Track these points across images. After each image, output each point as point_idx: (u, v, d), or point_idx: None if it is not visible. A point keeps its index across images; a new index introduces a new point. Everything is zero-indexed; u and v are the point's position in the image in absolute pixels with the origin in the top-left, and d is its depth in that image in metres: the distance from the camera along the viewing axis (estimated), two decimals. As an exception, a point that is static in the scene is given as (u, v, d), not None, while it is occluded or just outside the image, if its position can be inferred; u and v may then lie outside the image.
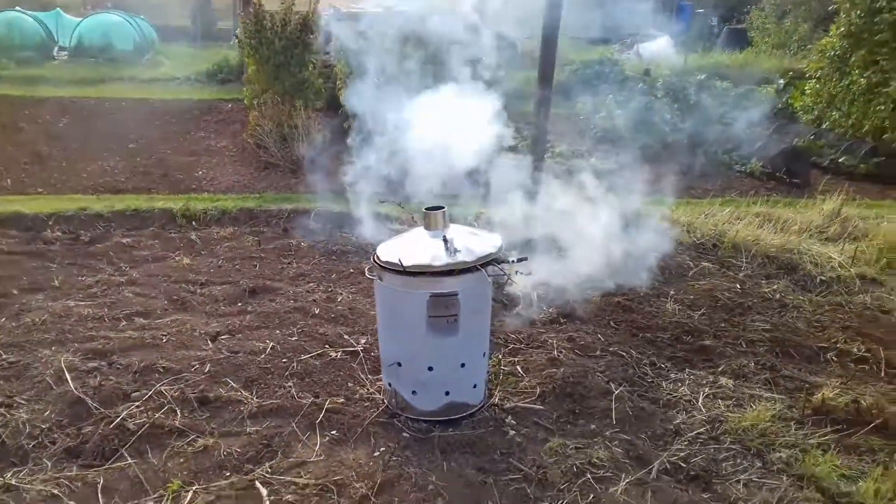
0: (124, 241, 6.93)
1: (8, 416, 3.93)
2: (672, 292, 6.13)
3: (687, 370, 4.88)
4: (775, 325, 5.62)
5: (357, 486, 3.55)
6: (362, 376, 4.65)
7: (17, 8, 18.60)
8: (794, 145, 11.52)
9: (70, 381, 4.28)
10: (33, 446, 3.76)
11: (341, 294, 5.90)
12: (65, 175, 9.15)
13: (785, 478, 3.81)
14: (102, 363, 4.60)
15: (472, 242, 4.04)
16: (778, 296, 6.23)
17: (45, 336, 4.94)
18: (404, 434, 4.02)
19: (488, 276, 4.00)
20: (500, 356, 4.90)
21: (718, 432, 4.17)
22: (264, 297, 5.81)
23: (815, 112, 12.90)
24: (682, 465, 3.86)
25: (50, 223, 7.16)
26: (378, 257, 4.05)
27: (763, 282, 6.52)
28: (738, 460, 3.94)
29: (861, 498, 3.65)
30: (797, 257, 6.97)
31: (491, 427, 4.11)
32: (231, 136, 11.29)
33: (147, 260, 6.55)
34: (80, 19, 18.59)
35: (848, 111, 12.00)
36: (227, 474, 3.64)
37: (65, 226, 7.17)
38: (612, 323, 5.54)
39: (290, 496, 3.47)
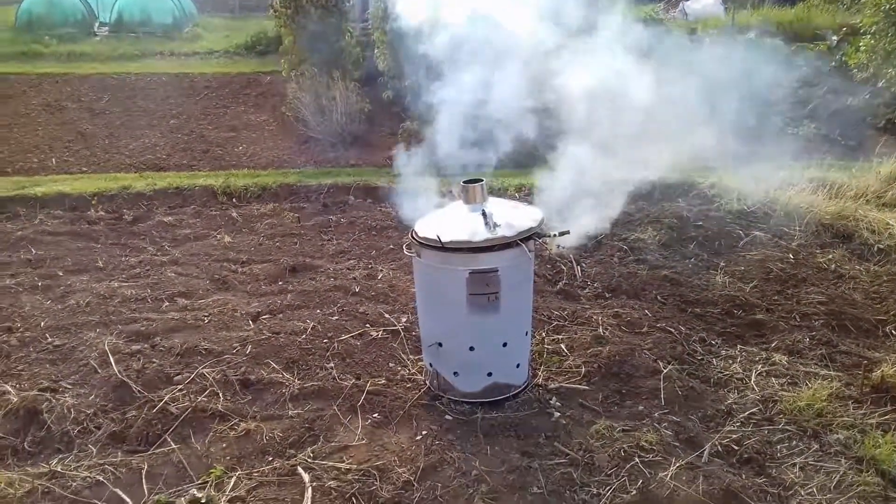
0: (166, 219, 6.96)
1: (54, 400, 3.95)
2: (722, 264, 5.93)
3: (738, 346, 4.72)
4: (831, 298, 5.40)
5: (399, 471, 3.50)
6: (403, 356, 4.59)
7: (58, -15, 18.73)
8: (848, 105, 11.06)
9: (114, 365, 4.30)
10: (78, 431, 3.78)
11: (382, 271, 5.84)
12: (107, 153, 9.23)
13: (843, 460, 3.65)
14: (145, 345, 4.62)
15: (513, 216, 3.92)
16: (833, 266, 5.99)
17: (89, 318, 4.98)
18: (447, 417, 3.95)
19: (529, 251, 3.88)
20: (544, 334, 4.79)
21: (772, 412, 4.01)
22: (305, 276, 5.78)
23: (871, 69, 12.35)
24: (735, 447, 3.72)
25: (93, 202, 7.22)
26: (416, 233, 3.96)
27: (818, 251, 6.28)
28: (794, 442, 3.79)
29: (925, 482, 3.48)
30: (853, 224, 6.69)
31: (535, 409, 4.01)
32: (270, 110, 11.25)
33: (189, 238, 6.57)
34: (120, -6, 18.64)
35: (905, 67, 11.47)
36: (270, 459, 3.62)
37: (108, 205, 7.24)
38: (659, 297, 5.38)
39: (332, 482, 3.43)
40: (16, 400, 3.93)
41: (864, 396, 4.18)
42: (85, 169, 8.56)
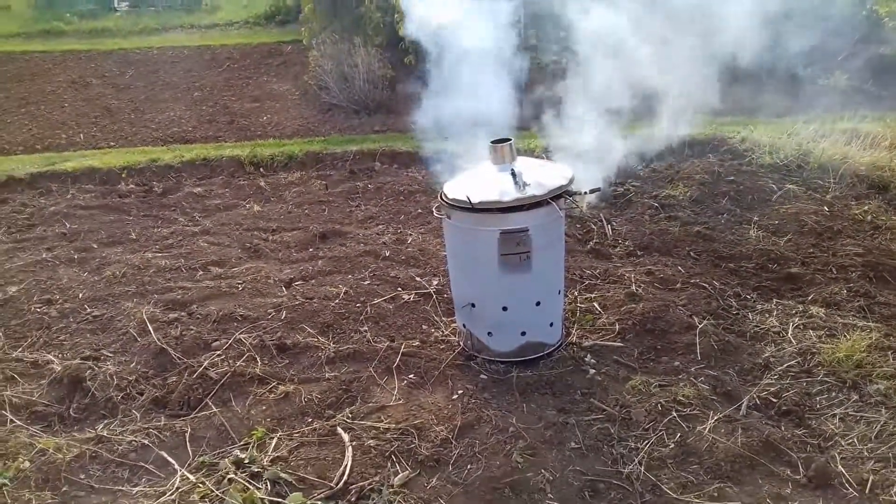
0: (195, 190, 7.01)
1: (96, 368, 4.03)
2: (755, 218, 5.85)
3: (774, 300, 4.67)
4: (868, 249, 5.31)
5: (437, 429, 3.53)
6: (436, 318, 4.61)
7: (77, -39, 18.75)
8: (881, 54, 10.78)
9: (153, 333, 4.37)
10: (122, 398, 3.86)
11: (411, 235, 5.84)
12: (134, 127, 9.29)
13: (883, 410, 3.62)
14: (182, 313, 4.68)
15: (542, 175, 3.88)
16: (869, 217, 5.88)
17: (126, 289, 5.05)
18: (482, 376, 3.97)
19: (560, 209, 3.85)
20: (576, 293, 4.78)
21: (810, 365, 3.98)
22: (334, 242, 5.80)
23: (904, 17, 12.02)
24: (773, 400, 3.70)
25: (123, 176, 7.29)
26: (445, 195, 3.94)
27: (853, 203, 6.17)
28: (833, 394, 3.77)
29: (968, 430, 3.44)
30: (889, 175, 6.55)
31: (570, 367, 4.02)
32: (293, 79, 11.23)
33: (219, 209, 6.61)
34: (139, -32, 18.63)
35: (941, 13, 11.14)
36: (309, 420, 3.67)
37: (138, 178, 7.30)
38: (692, 253, 5.33)
39: (371, 441, 3.47)
40: (59, 369, 4.01)
41: (903, 346, 4.13)
42: (113, 143, 8.63)
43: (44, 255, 5.60)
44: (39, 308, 4.82)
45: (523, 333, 4.01)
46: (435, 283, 5.04)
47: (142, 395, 3.88)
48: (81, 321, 4.66)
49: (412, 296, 4.89)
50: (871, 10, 13.25)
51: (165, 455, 3.43)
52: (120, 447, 3.49)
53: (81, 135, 8.98)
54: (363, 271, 5.24)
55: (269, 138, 8.65)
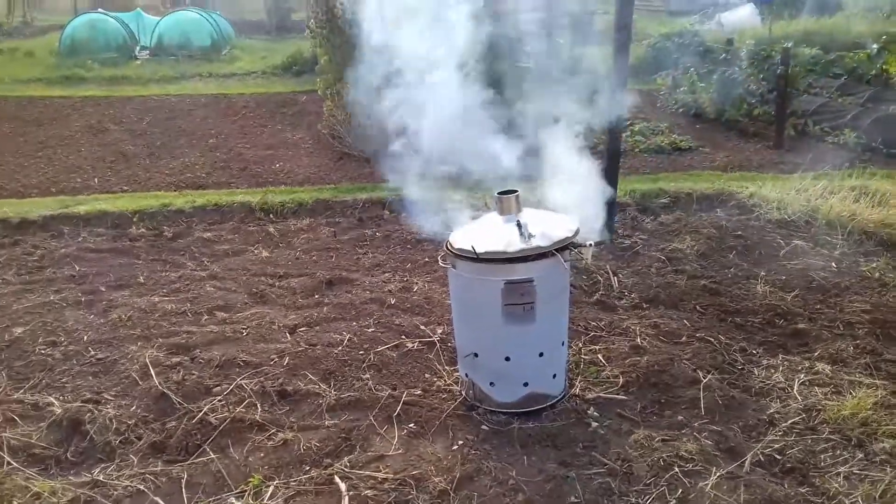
0: (205, 235, 7.07)
1: (96, 411, 4.02)
2: (762, 273, 5.83)
3: (780, 356, 4.63)
4: (875, 306, 5.28)
5: (436, 480, 3.49)
6: (439, 367, 4.59)
7: (100, 10, 19.26)
8: (890, 113, 10.85)
9: (154, 377, 4.37)
10: (120, 442, 3.84)
11: (417, 283, 5.85)
12: (148, 172, 9.41)
13: (889, 469, 3.55)
14: (185, 358, 4.68)
15: (548, 226, 3.91)
16: (877, 274, 5.86)
17: (131, 332, 5.06)
18: (483, 427, 3.94)
19: (565, 261, 3.87)
20: (581, 345, 4.75)
21: (816, 422, 3.92)
22: (341, 289, 5.82)
23: (912, 77, 12.14)
24: (777, 457, 3.64)
25: (134, 220, 7.36)
26: (451, 244, 3.97)
27: (861, 260, 6.15)
28: (838, 451, 3.70)
29: (977, 493, 3.37)
30: (897, 233, 6.54)
31: (572, 419, 3.98)
32: (307, 128, 11.39)
33: (227, 254, 6.65)
34: (160, 18, 19.10)
35: (949, 74, 11.23)
36: (307, 469, 3.63)
37: (149, 222, 7.36)
38: (698, 307, 5.30)
39: (368, 491, 3.44)
40: (59, 411, 4.01)
41: (910, 405, 4.07)
42: (126, 188, 8.74)
43: (51, 297, 5.64)
44: (44, 350, 4.84)
45: (526, 384, 3.99)
46: (439, 331, 5.03)
47: (140, 439, 3.86)
48: (84, 363, 4.67)
49: (416, 344, 4.88)
50: (880, 68, 13.39)
51: (160, 501, 3.40)
52: (115, 492, 3.46)
53: (96, 179, 9.11)
54: (368, 318, 5.24)
55: (280, 185, 8.74)
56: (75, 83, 15.04)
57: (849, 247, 6.38)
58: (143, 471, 3.62)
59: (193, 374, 4.43)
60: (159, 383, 4.29)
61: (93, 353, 4.79)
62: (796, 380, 4.32)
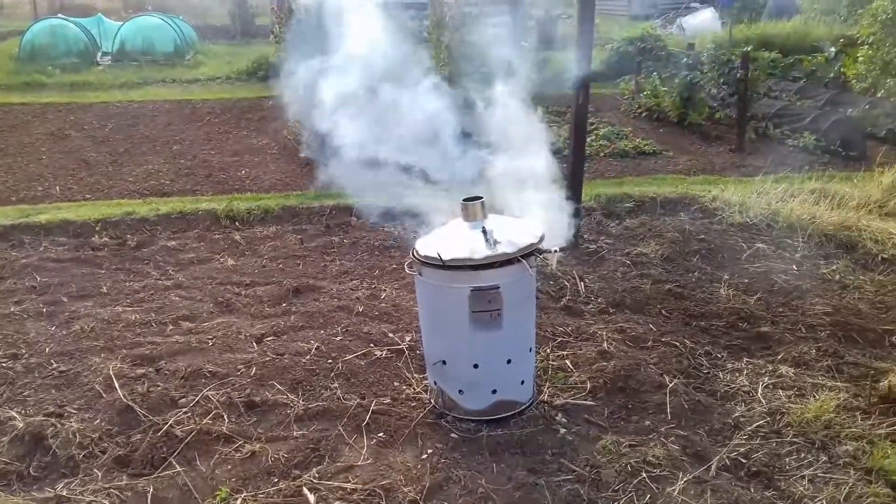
0: (170, 244, 6.97)
1: (59, 425, 3.94)
2: (726, 277, 5.92)
3: (745, 359, 4.70)
4: (836, 308, 5.39)
5: (405, 490, 3.48)
6: (408, 375, 4.58)
7: (60, 15, 18.92)
8: (848, 116, 11.09)
9: (119, 389, 4.30)
10: (84, 456, 3.77)
11: (385, 290, 5.84)
12: (111, 180, 9.27)
13: (852, 472, 3.63)
14: (150, 369, 4.61)
15: (513, 233, 3.93)
16: (838, 276, 5.98)
17: (94, 343, 4.98)
18: (452, 435, 3.94)
19: (531, 267, 3.89)
20: (548, 350, 4.78)
21: (780, 425, 3.99)
22: (308, 297, 5.78)
23: (869, 80, 12.38)
24: (743, 461, 3.70)
25: (97, 229, 7.24)
26: (417, 252, 3.97)
27: (821, 262, 6.27)
28: (802, 454, 3.77)
29: (935, 492, 3.45)
30: (856, 235, 6.68)
31: (541, 426, 4.00)
32: (272, 134, 11.30)
33: (192, 262, 6.57)
34: (121, 23, 18.81)
35: (905, 78, 11.49)
36: (275, 480, 3.61)
37: (112, 231, 7.24)
38: (663, 312, 5.36)
39: (337, 502, 3.42)
40: (21, 426, 3.92)
41: (871, 407, 4.16)
42: (89, 196, 8.59)
43: (12, 309, 5.52)
44: (4, 363, 4.73)
45: (494, 391, 4.00)
46: (408, 339, 5.02)
47: (104, 453, 3.79)
48: (47, 376, 4.58)
49: (384, 352, 4.87)
50: (838, 71, 13.66)
51: (125, 517, 3.35)
52: (79, 508, 3.40)
53: (57, 187, 8.95)
54: (336, 327, 5.22)
55: (246, 192, 8.67)
56: (36, 89, 14.76)
57: (809, 249, 6.50)
58: (107, 485, 3.56)
59: (158, 386, 4.37)
60: (123, 395, 4.22)
61: (55, 365, 4.71)
62: (760, 383, 4.40)
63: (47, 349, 4.92)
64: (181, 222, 7.55)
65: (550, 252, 4.02)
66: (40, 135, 11.43)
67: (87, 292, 5.89)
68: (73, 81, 15.47)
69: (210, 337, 5.06)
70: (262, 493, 3.50)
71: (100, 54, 17.88)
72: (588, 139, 9.51)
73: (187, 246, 6.97)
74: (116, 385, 4.35)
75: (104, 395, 4.28)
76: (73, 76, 15.93)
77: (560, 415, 4.10)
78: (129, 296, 5.83)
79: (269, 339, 5.07)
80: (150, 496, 3.49)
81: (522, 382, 4.09)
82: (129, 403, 4.16)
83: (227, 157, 10.32)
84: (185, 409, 4.14)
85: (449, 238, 3.98)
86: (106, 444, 3.87)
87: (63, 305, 5.64)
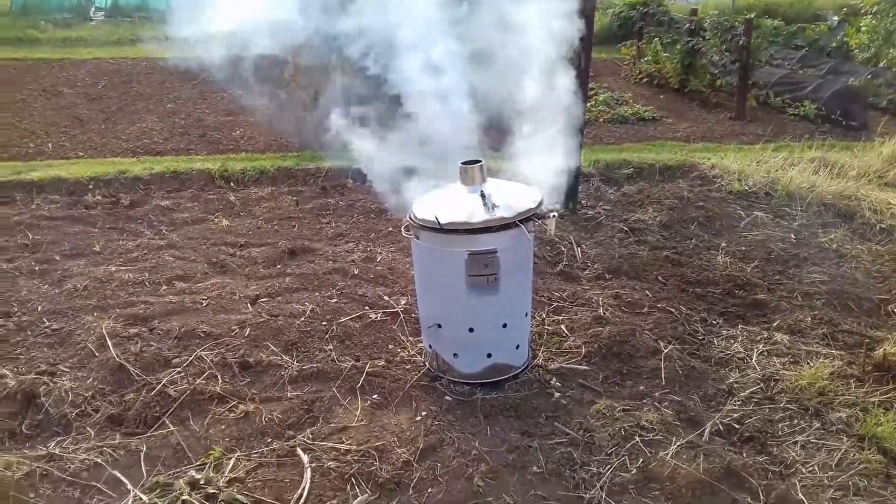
0: (164, 203, 6.92)
1: (51, 384, 3.92)
2: (723, 244, 5.90)
3: (740, 326, 4.70)
4: (833, 277, 5.38)
5: (399, 451, 3.49)
6: (403, 338, 4.57)
7: (53, -31, 18.61)
8: (849, 86, 11.00)
9: (112, 348, 4.27)
10: (76, 415, 3.75)
11: (380, 253, 5.81)
12: (104, 138, 9.17)
13: (845, 438, 3.64)
14: (143, 329, 4.58)
15: (511, 197, 3.88)
16: (835, 245, 5.97)
17: (86, 302, 4.94)
18: (446, 398, 3.94)
19: (528, 232, 3.85)
20: (544, 315, 4.77)
21: (774, 391, 4.00)
22: (303, 259, 5.75)
23: (872, 50, 12.30)
24: (736, 426, 3.71)
25: (90, 187, 7.16)
26: (414, 215, 3.92)
27: (819, 231, 6.25)
28: (795, 421, 3.78)
29: (927, 460, 3.47)
30: (855, 204, 6.67)
31: (535, 389, 3.99)
32: (269, 93, 11.16)
33: (186, 222, 6.52)
34: (116, -21, 18.52)
35: (907, 47, 11.40)
36: (269, 441, 3.60)
37: (105, 189, 7.17)
38: (660, 278, 5.35)
39: (331, 462, 3.42)
40: (13, 384, 3.90)
41: (865, 375, 4.17)
42: (81, 154, 8.50)
43: (4, 266, 5.48)
44: (-4, 320, 4.71)
45: (489, 355, 3.99)
46: (403, 302, 5.00)
47: (97, 412, 3.78)
48: (39, 335, 4.55)
49: (379, 315, 4.85)
50: (841, 41, 13.53)
51: (118, 475, 3.33)
52: (72, 466, 3.39)
53: (50, 144, 8.84)
54: (331, 289, 5.19)
55: (241, 152, 8.58)
56: (28, 45, 14.57)
57: (807, 218, 6.48)
58: (100, 444, 3.55)
59: (152, 346, 4.34)
60: (117, 355, 4.20)
61: (47, 323, 4.67)
62: (755, 350, 4.40)
63: (39, 307, 4.88)
64: (175, 182, 7.48)
65: (549, 217, 3.97)
66: (32, 91, 11.28)
67: (79, 251, 5.84)
68: (66, 37, 15.27)
69: (204, 297, 5.03)
70: (255, 454, 3.50)
71: (93, 9, 17.63)
72: (588, 104, 9.42)
73: (181, 206, 6.91)
74: (109, 344, 4.32)
75: (97, 354, 4.25)
76: (66, 32, 15.71)
77: (554, 379, 4.10)
78: (122, 255, 5.78)
79: (263, 300, 5.05)
80: (143, 455, 3.48)
81: (518, 347, 4.08)
82: (122, 363, 4.13)
83: (221, 117, 10.21)
84: (178, 369, 4.12)
85: (447, 201, 3.93)
86: (99, 403, 3.85)
87: (56, 264, 5.59)
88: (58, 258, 5.69)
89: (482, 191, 3.84)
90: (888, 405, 3.86)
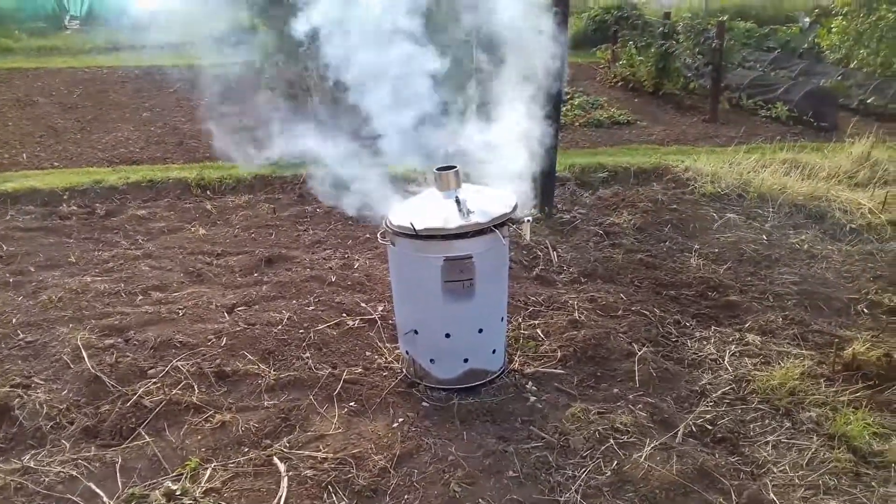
0: (140, 213, 6.89)
1: (26, 396, 3.90)
2: (696, 247, 5.97)
3: (713, 328, 4.76)
4: (803, 278, 5.46)
5: (376, 458, 3.50)
6: (380, 345, 4.59)
7: (27, -22, 18.44)
8: (820, 87, 11.16)
9: (87, 360, 4.26)
10: (51, 427, 3.74)
11: (358, 260, 5.82)
12: (79, 147, 9.12)
13: (815, 437, 3.70)
14: (119, 340, 4.57)
15: (486, 202, 3.91)
16: (806, 246, 6.06)
17: (62, 313, 4.92)
18: (423, 403, 3.96)
19: (504, 237, 3.88)
20: (520, 320, 4.81)
21: (745, 392, 4.06)
22: (280, 267, 5.75)
23: (843, 51, 12.49)
24: (709, 427, 3.76)
25: (65, 197, 7.13)
26: (389, 221, 3.94)
27: (790, 232, 6.35)
28: (767, 421, 3.84)
29: (894, 457, 3.53)
30: (825, 205, 6.77)
31: (511, 394, 4.03)
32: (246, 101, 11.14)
33: (163, 232, 6.51)
34: (90, -13, 18.38)
35: (877, 49, 11.60)
36: (245, 450, 3.61)
37: (80, 200, 7.14)
38: (634, 281, 5.41)
39: (308, 471, 3.43)
40: (-13, 397, 3.88)
41: (835, 374, 4.23)
42: (57, 164, 8.45)
43: (-23, 279, 5.44)
44: (-30, 333, 4.67)
45: (466, 360, 4.01)
46: (380, 308, 5.02)
47: (72, 424, 3.77)
48: (13, 347, 4.52)
49: (357, 322, 4.87)
50: (812, 42, 13.72)
51: (94, 487, 3.33)
52: (47, 479, 3.38)
53: (24, 154, 8.78)
54: (308, 297, 5.20)
55: (217, 160, 8.56)
56: (2, 54, 14.42)
57: (779, 219, 6.58)
58: (75, 456, 3.54)
59: (127, 357, 4.33)
60: (92, 366, 4.18)
61: (22, 335, 4.65)
62: (727, 351, 4.46)
63: (14, 319, 4.85)
64: (151, 191, 7.46)
65: (524, 222, 4.01)
66: (6, 101, 11.19)
67: (54, 262, 5.81)
68: (41, 46, 15.15)
69: (180, 307, 5.02)
70: (232, 463, 3.50)
71: (68, 18, 17.49)
72: (563, 108, 9.50)
73: (157, 215, 6.89)
74: (84, 355, 4.30)
75: (72, 366, 4.24)
76: (40, 41, 15.58)
77: (530, 383, 4.14)
78: (97, 265, 5.76)
79: (240, 308, 5.04)
80: (118, 466, 3.47)
81: (494, 351, 4.11)
82: (98, 374, 4.12)
83: (197, 125, 10.17)
84: (154, 380, 4.12)
85: (422, 207, 3.95)
86: (74, 415, 3.84)
87: (30, 275, 5.56)
88: (32, 269, 5.66)
89: (457, 196, 3.87)
90: (857, 404, 3.93)
